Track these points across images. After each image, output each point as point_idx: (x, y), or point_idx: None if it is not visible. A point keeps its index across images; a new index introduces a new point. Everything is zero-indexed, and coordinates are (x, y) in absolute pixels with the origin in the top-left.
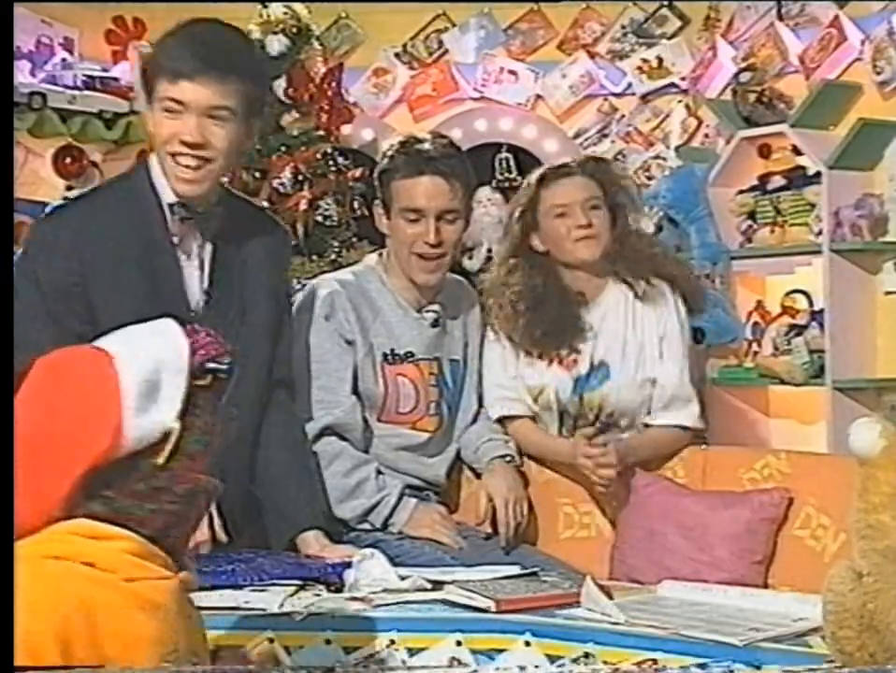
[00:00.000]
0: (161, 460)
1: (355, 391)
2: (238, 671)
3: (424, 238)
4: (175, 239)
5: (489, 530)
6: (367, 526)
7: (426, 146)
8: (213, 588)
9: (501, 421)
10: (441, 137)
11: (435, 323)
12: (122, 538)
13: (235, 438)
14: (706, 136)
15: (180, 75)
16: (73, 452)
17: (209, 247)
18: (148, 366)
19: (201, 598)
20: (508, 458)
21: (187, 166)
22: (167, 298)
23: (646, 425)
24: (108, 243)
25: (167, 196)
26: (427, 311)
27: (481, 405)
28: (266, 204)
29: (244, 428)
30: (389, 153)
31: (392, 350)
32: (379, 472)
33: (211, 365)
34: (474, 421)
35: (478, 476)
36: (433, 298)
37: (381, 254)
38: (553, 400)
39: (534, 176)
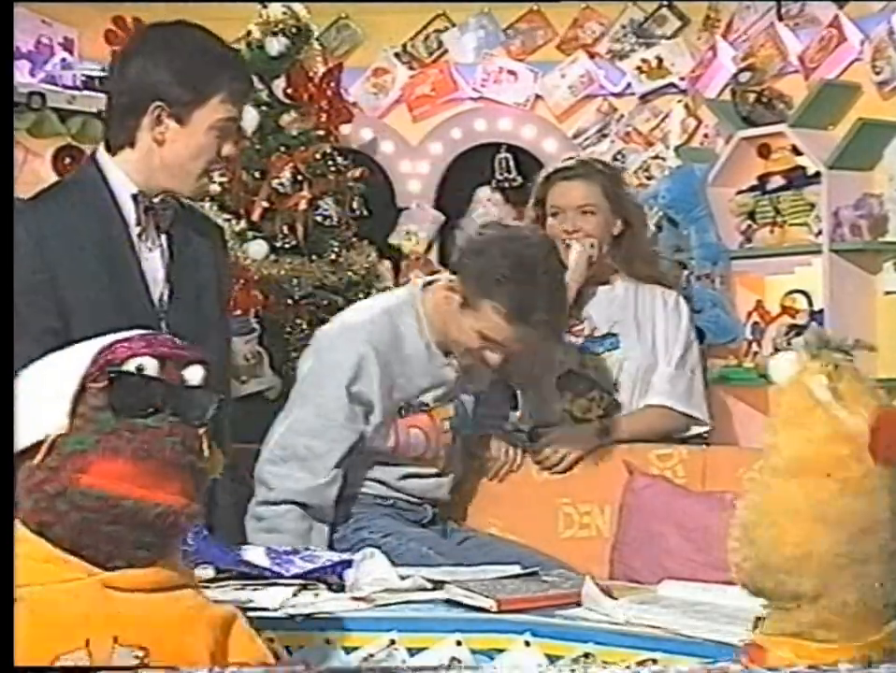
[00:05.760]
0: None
1: (350, 452)
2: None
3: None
4: (137, 231)
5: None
6: (352, 522)
7: None
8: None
9: None
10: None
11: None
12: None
13: None
14: (705, 135)
15: None
16: None
17: (165, 238)
18: None
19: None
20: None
21: None
22: (131, 290)
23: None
24: (69, 239)
25: (129, 188)
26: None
27: None
28: (265, 204)
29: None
30: None
31: (408, 403)
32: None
33: None
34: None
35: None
36: None
37: (424, 285)
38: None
39: (542, 174)
